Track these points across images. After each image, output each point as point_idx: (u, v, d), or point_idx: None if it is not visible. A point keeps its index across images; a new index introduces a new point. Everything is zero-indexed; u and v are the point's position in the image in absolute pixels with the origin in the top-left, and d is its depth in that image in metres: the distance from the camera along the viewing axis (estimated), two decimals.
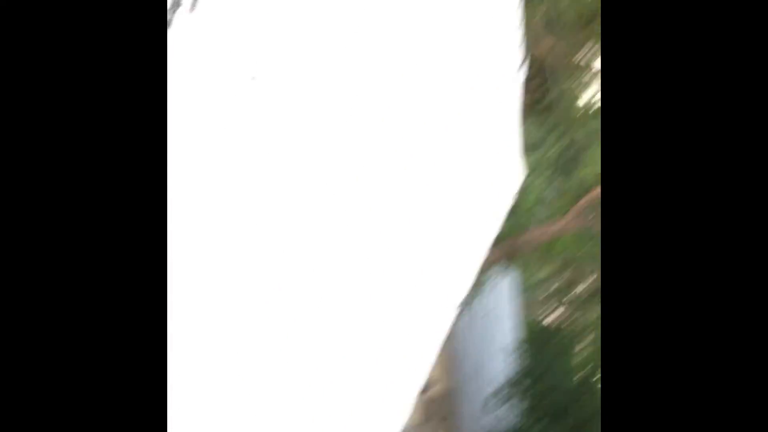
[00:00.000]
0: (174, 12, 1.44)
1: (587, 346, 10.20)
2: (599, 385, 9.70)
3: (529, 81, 7.73)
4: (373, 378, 2.79)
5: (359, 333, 2.59)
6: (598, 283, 8.86)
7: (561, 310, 10.10)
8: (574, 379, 10.13)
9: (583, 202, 8.03)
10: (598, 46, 7.90)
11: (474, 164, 3.30)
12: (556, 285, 10.40)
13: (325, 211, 2.02)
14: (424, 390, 7.60)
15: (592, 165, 9.31)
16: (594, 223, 7.96)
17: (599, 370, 9.68)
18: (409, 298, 2.93)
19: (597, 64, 8.22)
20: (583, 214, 8.08)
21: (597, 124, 9.10)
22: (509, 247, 7.65)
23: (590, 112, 8.75)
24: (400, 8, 2.26)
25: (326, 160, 1.99)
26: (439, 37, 2.55)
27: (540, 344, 10.44)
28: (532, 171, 8.55)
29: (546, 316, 12.37)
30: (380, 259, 2.57)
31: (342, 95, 2.06)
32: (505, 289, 11.41)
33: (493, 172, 3.72)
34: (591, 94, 8.70)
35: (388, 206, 2.54)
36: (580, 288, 8.88)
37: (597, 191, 8.19)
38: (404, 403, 3.15)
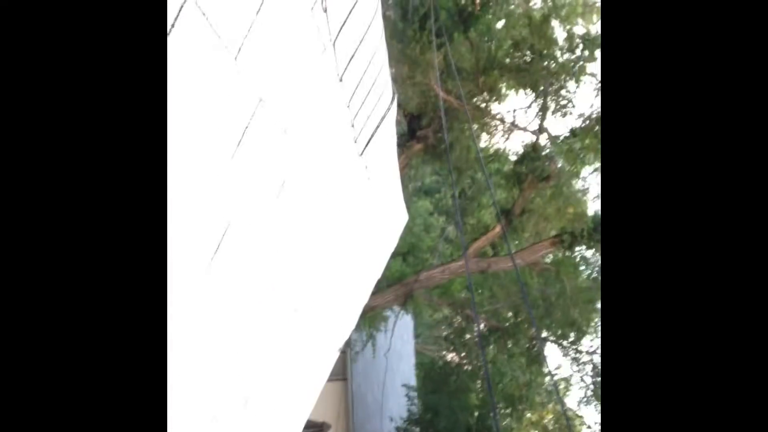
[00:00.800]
0: None
1: (484, 384, 10.40)
2: (495, 421, 9.91)
3: (426, 127, 7.91)
4: (259, 419, 2.78)
5: (246, 377, 2.58)
6: (493, 323, 9.08)
7: (458, 349, 10.27)
8: (474, 415, 10.32)
9: (478, 244, 8.23)
10: (496, 93, 8.19)
11: (358, 210, 3.37)
12: (452, 325, 10.58)
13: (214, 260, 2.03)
14: (321, 430, 7.54)
15: (488, 207, 9.58)
16: (489, 265, 8.16)
17: (496, 407, 9.88)
18: (295, 342, 2.95)
19: (493, 109, 8.51)
20: (478, 257, 8.28)
21: (494, 166, 9.40)
22: (406, 289, 7.76)
23: (487, 155, 9.03)
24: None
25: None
26: (328, 88, 2.61)
27: (439, 382, 10.60)
28: (430, 214, 8.75)
29: (444, 356, 12.52)
30: (266, 301, 2.59)
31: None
32: (403, 330, 11.54)
33: (380, 218, 3.81)
34: (488, 138, 8.98)
35: (276, 250, 2.57)
36: (475, 327, 9.07)
37: (494, 233, 8.42)
38: None
